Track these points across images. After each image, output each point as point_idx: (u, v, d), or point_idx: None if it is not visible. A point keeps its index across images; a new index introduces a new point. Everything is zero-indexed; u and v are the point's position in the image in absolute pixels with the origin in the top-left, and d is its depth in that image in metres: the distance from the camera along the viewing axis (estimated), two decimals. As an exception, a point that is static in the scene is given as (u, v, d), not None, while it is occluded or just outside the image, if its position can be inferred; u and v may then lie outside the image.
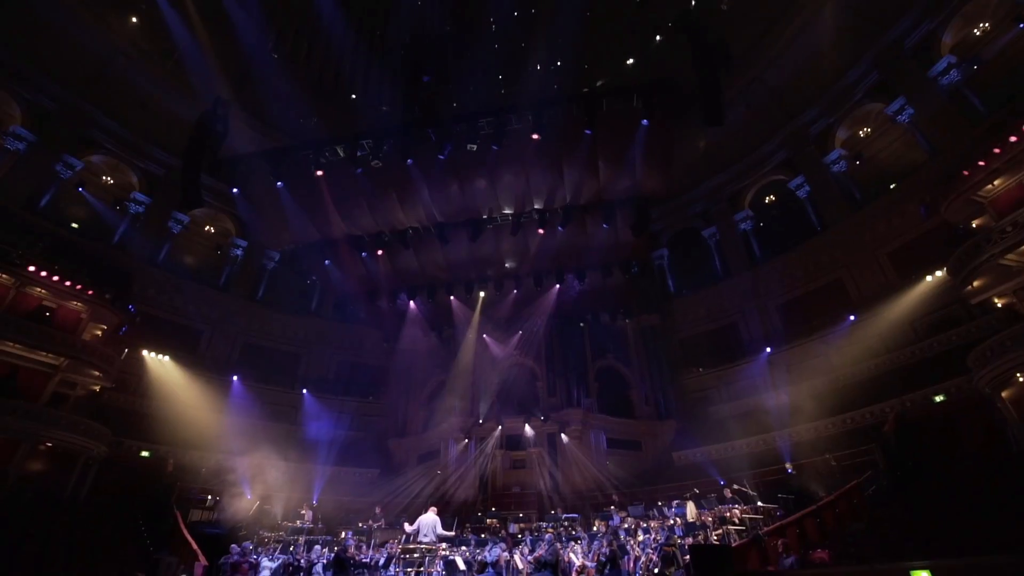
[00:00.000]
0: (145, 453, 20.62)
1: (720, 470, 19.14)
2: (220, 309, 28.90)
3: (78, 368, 19.66)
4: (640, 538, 13.22)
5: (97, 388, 21.01)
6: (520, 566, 10.71)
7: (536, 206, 19.25)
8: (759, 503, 13.84)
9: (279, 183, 17.51)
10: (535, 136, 16.37)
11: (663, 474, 22.03)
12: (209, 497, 18.66)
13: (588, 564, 10.88)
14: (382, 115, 18.79)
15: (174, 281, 27.57)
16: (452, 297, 23.72)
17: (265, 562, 11.63)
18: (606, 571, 9.90)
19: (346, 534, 15.25)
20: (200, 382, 23.48)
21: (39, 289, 19.71)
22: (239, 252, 31.31)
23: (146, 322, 25.14)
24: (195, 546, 13.61)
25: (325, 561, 11.05)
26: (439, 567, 10.72)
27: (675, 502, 15.65)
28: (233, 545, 11.70)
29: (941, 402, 16.96)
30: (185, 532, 14.81)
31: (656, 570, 9.35)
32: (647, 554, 11.50)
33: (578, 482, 21.21)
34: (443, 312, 24.10)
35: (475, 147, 16.09)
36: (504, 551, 10.43)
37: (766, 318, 27.15)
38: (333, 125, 19.29)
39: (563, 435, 22.43)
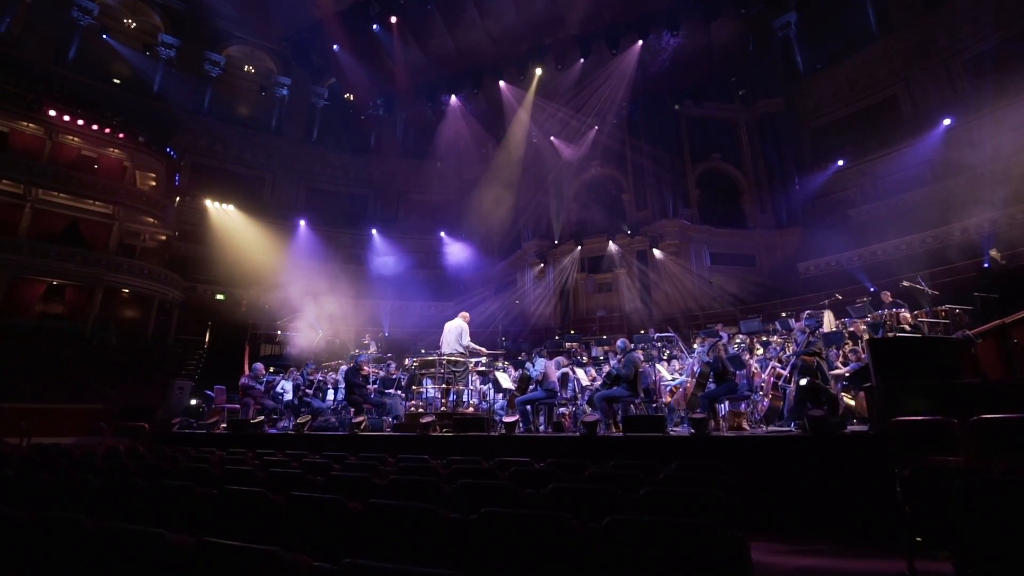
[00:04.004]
0: (220, 296, 20.71)
1: (868, 277, 14.93)
2: (278, 154, 28.03)
3: (132, 216, 19.20)
4: (760, 352, 10.03)
5: (163, 237, 20.79)
6: (585, 381, 8.04)
7: None
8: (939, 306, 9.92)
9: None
10: None
11: (784, 288, 17.93)
12: (279, 332, 18.39)
13: (686, 378, 7.91)
14: None
15: (224, 128, 26.47)
16: (502, 83, 18.50)
17: (284, 383, 10.37)
18: (710, 385, 6.82)
19: (409, 360, 13.89)
20: (268, 228, 22.64)
21: (72, 137, 18.71)
22: (285, 92, 29.28)
23: (205, 172, 24.68)
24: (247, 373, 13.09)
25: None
26: (473, 383, 8.45)
27: (806, 312, 12.08)
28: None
29: None
30: (245, 363, 14.50)
31: (795, 384, 6.06)
32: (772, 368, 8.27)
33: (676, 301, 17.86)
34: (495, 111, 19.42)
35: None
36: (561, 367, 7.72)
37: (945, 80, 19.64)
38: None
39: (656, 251, 18.63)
